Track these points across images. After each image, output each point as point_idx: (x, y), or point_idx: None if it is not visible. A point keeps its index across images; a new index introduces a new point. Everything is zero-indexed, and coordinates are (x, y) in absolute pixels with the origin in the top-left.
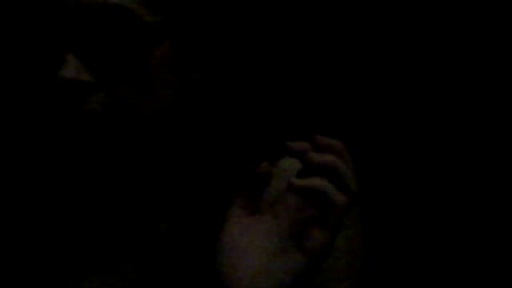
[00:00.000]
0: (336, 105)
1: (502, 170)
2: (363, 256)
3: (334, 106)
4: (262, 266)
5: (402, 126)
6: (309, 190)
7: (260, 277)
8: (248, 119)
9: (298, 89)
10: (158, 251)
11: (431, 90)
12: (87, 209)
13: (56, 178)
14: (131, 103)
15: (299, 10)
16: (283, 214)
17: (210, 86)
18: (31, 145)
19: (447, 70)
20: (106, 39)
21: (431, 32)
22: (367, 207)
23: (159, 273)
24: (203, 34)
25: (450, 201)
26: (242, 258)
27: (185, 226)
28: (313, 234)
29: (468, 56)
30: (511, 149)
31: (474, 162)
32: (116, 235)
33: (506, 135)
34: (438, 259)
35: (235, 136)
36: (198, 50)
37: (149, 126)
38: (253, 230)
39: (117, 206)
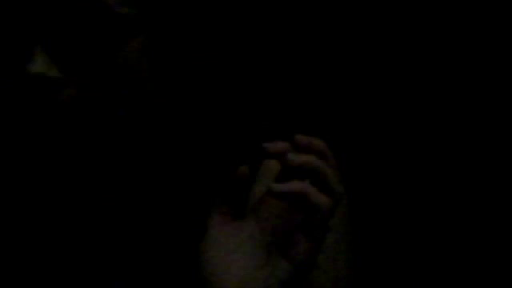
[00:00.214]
0: (331, 104)
1: (499, 171)
2: (351, 259)
3: (329, 106)
4: (248, 276)
5: (398, 126)
6: (289, 195)
7: (246, 287)
8: (233, 118)
9: (289, 87)
10: (151, 256)
11: (427, 89)
12: (66, 208)
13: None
14: (105, 99)
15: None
16: (266, 220)
17: (190, 82)
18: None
19: (443, 69)
20: (78, 32)
21: (425, 31)
22: (363, 207)
23: (157, 275)
24: (180, 27)
25: (448, 200)
26: (226, 268)
27: (176, 228)
28: (297, 241)
29: (462, 56)
30: (509, 149)
31: (471, 160)
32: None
33: (504, 136)
34: (437, 260)
35: (221, 135)
36: (175, 43)
37: (127, 121)
38: (236, 237)
39: (97, 205)
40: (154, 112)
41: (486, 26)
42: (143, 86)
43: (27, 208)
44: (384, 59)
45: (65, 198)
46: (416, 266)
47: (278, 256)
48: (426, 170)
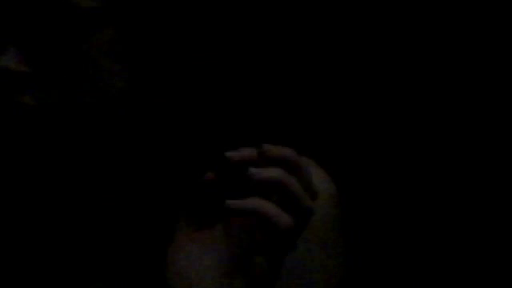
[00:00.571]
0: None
1: (499, 171)
2: (341, 263)
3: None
4: (206, 286)
5: (395, 125)
6: (246, 213)
7: None
8: (202, 118)
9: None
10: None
11: (426, 89)
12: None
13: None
14: (73, 95)
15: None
16: (233, 232)
17: (162, 75)
18: None
19: (443, 69)
20: (41, 27)
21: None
22: (360, 207)
23: (156, 276)
24: (149, 20)
25: (447, 200)
26: (186, 274)
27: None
28: (257, 260)
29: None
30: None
31: (471, 160)
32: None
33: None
34: (436, 260)
35: (188, 135)
36: (145, 36)
37: (98, 118)
38: (201, 245)
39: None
40: (124, 107)
41: (486, 26)
42: (112, 81)
43: (23, 209)
44: (381, 60)
45: (49, 203)
46: (415, 266)
47: (238, 274)
48: (424, 169)
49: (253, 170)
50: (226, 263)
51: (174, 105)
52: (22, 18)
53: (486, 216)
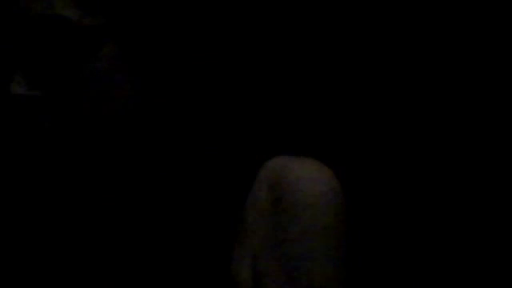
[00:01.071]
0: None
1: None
2: (341, 263)
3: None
4: None
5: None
6: None
7: None
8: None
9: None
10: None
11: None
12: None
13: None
14: (83, 110)
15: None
16: None
17: (168, 84)
18: None
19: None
20: (46, 50)
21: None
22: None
23: (159, 273)
24: (150, 33)
25: (447, 200)
26: None
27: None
28: None
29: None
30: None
31: (471, 160)
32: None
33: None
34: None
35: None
36: (146, 49)
37: (109, 129)
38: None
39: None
40: (135, 116)
41: (486, 26)
42: (119, 93)
43: (27, 209)
44: (382, 60)
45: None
46: (415, 266)
47: None
48: (424, 170)
49: None
50: None
51: (176, 112)
52: (27, 43)
53: (486, 216)
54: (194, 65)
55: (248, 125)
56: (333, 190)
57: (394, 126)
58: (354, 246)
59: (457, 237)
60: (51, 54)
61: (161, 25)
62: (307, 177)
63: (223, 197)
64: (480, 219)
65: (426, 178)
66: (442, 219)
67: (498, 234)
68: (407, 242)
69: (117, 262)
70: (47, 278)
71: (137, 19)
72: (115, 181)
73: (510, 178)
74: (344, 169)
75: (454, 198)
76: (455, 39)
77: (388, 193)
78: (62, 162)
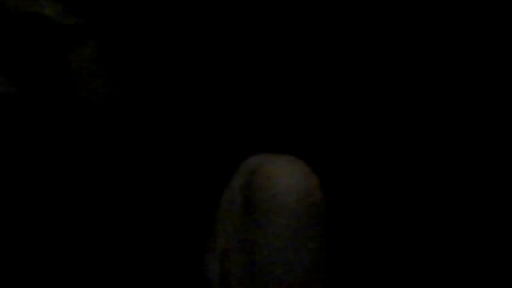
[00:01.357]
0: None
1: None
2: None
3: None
4: None
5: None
6: None
7: None
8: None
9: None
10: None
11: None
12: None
13: None
14: (60, 107)
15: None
16: None
17: (148, 81)
18: None
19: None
20: (26, 48)
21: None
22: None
23: (157, 273)
24: (128, 31)
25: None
26: None
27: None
28: None
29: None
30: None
31: (471, 160)
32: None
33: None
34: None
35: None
36: (125, 47)
37: (87, 126)
38: None
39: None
40: (109, 112)
41: (486, 26)
42: (95, 89)
43: (27, 209)
44: (381, 61)
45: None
46: (414, 266)
47: None
48: (423, 170)
49: None
50: None
51: (157, 108)
52: (6, 40)
53: (486, 216)
54: (177, 61)
55: (229, 123)
56: (307, 188)
57: (376, 123)
58: (339, 244)
59: (457, 237)
60: (30, 52)
61: (140, 23)
62: (278, 175)
63: (199, 195)
64: (469, 216)
65: (412, 175)
66: (430, 217)
67: (494, 233)
68: (393, 240)
69: (116, 262)
70: (41, 274)
71: (116, 18)
72: (95, 172)
73: (508, 179)
74: (329, 165)
75: (441, 194)
76: (447, 40)
77: (374, 190)
78: (43, 156)
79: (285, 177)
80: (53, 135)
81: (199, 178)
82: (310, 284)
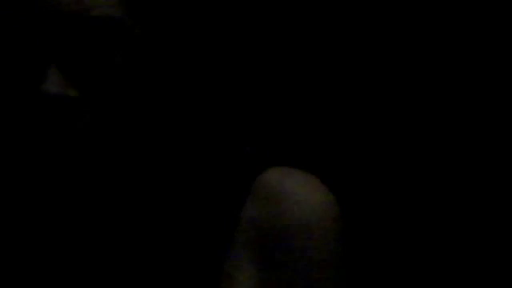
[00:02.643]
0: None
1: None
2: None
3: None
4: None
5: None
6: None
7: None
8: (227, 142)
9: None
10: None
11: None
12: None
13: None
14: (117, 117)
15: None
16: None
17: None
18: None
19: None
20: (93, 51)
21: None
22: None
23: (159, 273)
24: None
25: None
26: None
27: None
28: None
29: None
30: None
31: (471, 160)
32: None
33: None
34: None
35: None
36: (161, 48)
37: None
38: None
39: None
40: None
41: (486, 26)
42: (140, 96)
43: (27, 208)
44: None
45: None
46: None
47: None
48: (424, 171)
49: None
50: None
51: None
52: (64, 40)
53: (486, 216)
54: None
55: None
56: (328, 204)
57: (390, 135)
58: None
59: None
60: (94, 56)
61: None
62: (300, 197)
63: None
64: (480, 220)
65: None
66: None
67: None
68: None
69: (116, 262)
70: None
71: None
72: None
73: (510, 178)
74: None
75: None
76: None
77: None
78: (95, 163)
79: (308, 199)
80: (110, 137)
81: (203, 183)
82: None
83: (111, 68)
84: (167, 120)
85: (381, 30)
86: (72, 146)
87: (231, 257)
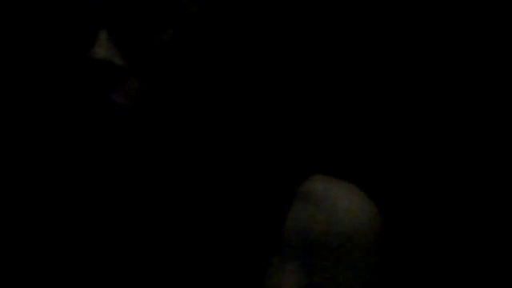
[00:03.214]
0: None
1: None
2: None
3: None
4: None
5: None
6: None
7: None
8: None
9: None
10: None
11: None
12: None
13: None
14: (161, 95)
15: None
16: None
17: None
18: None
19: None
20: (145, 24)
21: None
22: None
23: (160, 273)
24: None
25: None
26: None
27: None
28: None
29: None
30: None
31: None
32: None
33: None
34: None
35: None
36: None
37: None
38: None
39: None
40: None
41: (486, 26)
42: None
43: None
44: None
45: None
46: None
47: None
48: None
49: None
50: None
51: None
52: (119, 5)
53: (486, 217)
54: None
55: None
56: (372, 215)
57: (427, 146)
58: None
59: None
60: (141, 26)
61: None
62: (348, 209)
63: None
64: (481, 220)
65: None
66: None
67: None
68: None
69: (116, 262)
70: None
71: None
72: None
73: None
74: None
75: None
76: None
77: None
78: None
79: (358, 209)
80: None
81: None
82: None
83: (160, 44)
84: (208, 115)
85: (391, 32)
86: (107, 123)
87: (275, 262)
